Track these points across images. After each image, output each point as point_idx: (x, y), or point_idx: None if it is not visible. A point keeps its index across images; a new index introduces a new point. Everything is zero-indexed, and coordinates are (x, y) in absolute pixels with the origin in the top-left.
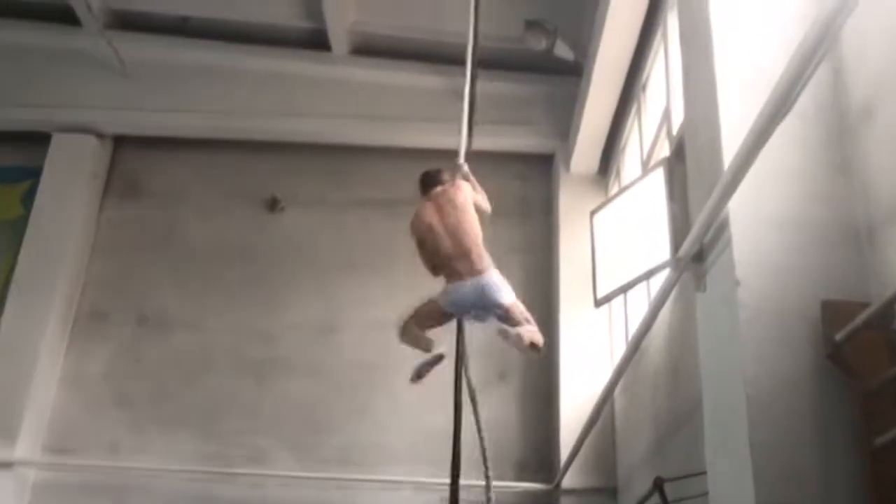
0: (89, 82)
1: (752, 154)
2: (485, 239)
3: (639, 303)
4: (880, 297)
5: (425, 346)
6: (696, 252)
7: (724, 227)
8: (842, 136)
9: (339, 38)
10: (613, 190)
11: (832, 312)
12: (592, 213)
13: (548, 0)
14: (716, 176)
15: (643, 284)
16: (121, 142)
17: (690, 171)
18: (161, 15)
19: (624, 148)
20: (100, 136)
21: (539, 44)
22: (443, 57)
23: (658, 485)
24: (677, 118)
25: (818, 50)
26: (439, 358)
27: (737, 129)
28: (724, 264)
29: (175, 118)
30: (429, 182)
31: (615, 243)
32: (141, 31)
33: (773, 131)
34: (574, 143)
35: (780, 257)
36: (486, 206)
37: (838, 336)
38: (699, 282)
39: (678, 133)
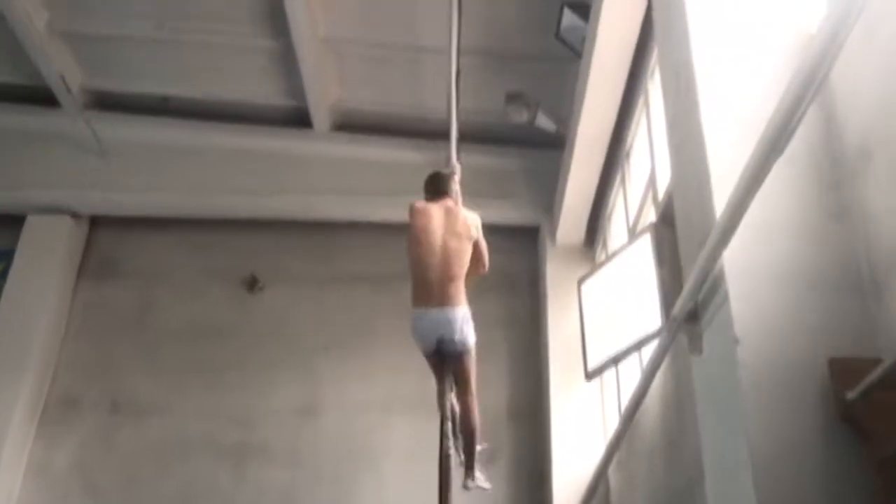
0: (66, 163)
1: (743, 202)
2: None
3: (631, 374)
4: (892, 353)
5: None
6: (690, 311)
7: (718, 282)
8: (837, 182)
9: (320, 116)
10: (601, 260)
11: (841, 370)
12: (580, 281)
13: (528, 73)
14: (707, 229)
15: (635, 355)
16: (97, 222)
17: (680, 229)
18: (141, 95)
19: (610, 217)
20: (76, 216)
21: (521, 116)
22: (424, 132)
23: None
24: (662, 183)
25: (805, 94)
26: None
27: (727, 179)
28: (721, 322)
29: (153, 197)
30: (438, 187)
31: (604, 313)
32: (120, 111)
33: (763, 178)
34: (559, 214)
35: (781, 313)
36: (484, 262)
37: (850, 396)
38: (695, 344)
39: (665, 196)
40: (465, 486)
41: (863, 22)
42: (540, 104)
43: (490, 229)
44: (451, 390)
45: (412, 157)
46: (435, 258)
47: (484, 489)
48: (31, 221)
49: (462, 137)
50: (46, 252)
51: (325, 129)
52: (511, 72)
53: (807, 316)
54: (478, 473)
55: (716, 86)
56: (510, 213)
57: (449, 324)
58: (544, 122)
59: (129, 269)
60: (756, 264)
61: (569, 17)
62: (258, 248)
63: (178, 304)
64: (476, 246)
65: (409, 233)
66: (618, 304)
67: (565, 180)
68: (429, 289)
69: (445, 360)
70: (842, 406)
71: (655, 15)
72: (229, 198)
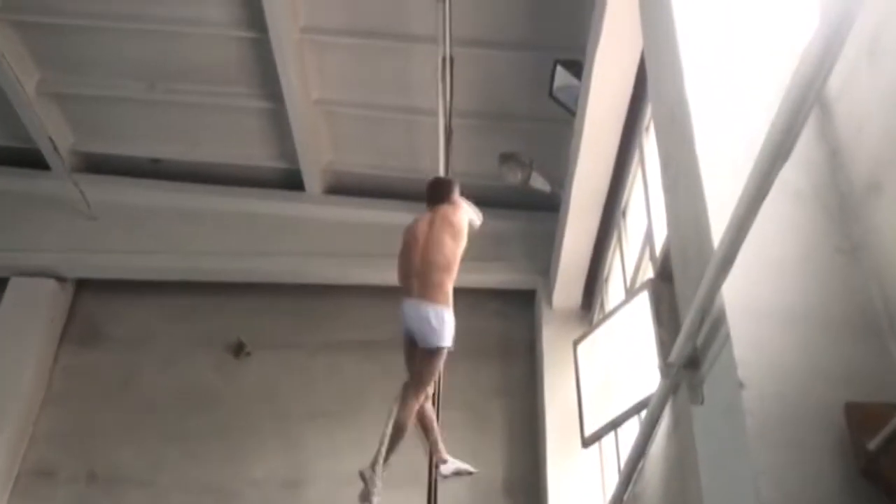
0: (53, 225)
1: (740, 232)
2: (464, 381)
3: (632, 439)
4: None
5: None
6: (689, 356)
7: (719, 322)
8: (845, 217)
9: (312, 178)
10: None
11: (860, 417)
12: (576, 342)
13: (522, 133)
14: (704, 266)
15: (635, 418)
16: (82, 285)
17: (677, 270)
18: (131, 157)
19: (607, 279)
20: (60, 279)
21: (515, 177)
22: (418, 194)
23: None
24: (660, 239)
25: (799, 111)
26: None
27: (723, 211)
28: (723, 366)
29: (140, 260)
30: (438, 193)
31: (602, 375)
32: (110, 173)
33: (759, 205)
34: (555, 277)
35: (789, 354)
36: (476, 223)
37: (871, 445)
38: (695, 392)
39: (662, 250)
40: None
41: (866, 50)
42: (534, 164)
43: (485, 294)
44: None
45: (405, 220)
46: (417, 256)
47: (465, 471)
48: (14, 283)
49: None
50: (28, 316)
51: (317, 192)
52: (504, 132)
53: (818, 357)
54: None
55: (710, 118)
56: (505, 277)
57: (420, 320)
58: (539, 182)
59: (112, 334)
60: (759, 302)
61: (561, 76)
62: (246, 313)
63: (161, 370)
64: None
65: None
66: (616, 365)
67: (561, 241)
68: (409, 280)
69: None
70: (862, 457)
71: (647, 54)
72: (218, 260)
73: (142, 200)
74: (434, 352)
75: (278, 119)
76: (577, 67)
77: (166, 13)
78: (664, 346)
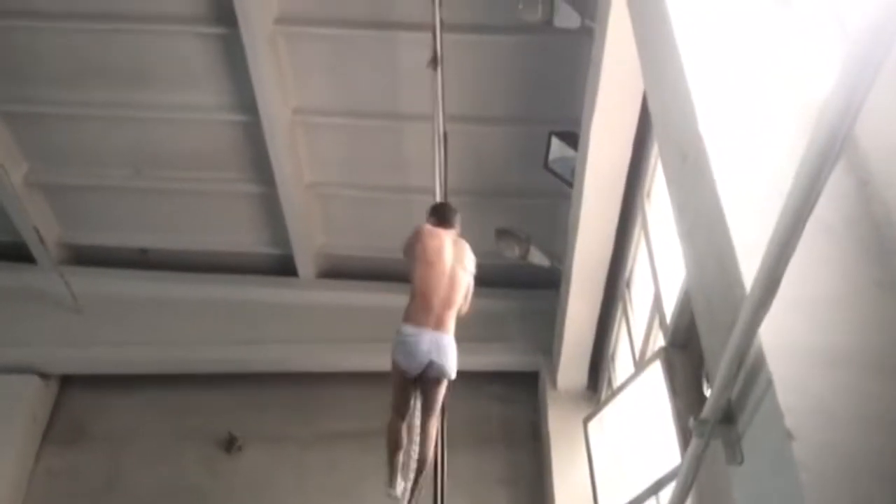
0: (37, 320)
1: (776, 270)
2: (467, 471)
3: None
4: None
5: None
6: (723, 411)
7: (758, 367)
8: (883, 249)
9: (305, 263)
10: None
11: None
12: (586, 420)
13: (519, 208)
14: (735, 311)
15: (652, 500)
16: (67, 382)
17: (701, 323)
18: (118, 248)
19: (613, 355)
20: (44, 376)
21: (512, 252)
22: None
23: None
24: (669, 305)
25: (828, 156)
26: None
27: (753, 250)
28: (766, 416)
29: (128, 353)
30: (445, 216)
31: (615, 454)
32: (97, 265)
33: (794, 246)
34: (559, 356)
35: (837, 400)
36: (466, 306)
37: None
38: (733, 451)
39: (673, 317)
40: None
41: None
42: (532, 239)
43: (485, 377)
44: (408, 420)
45: (401, 303)
46: (443, 283)
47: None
48: None
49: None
50: (8, 415)
51: (311, 277)
52: (500, 208)
53: (868, 401)
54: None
55: (728, 154)
56: (506, 359)
57: (442, 349)
58: (537, 257)
59: (97, 432)
60: (800, 343)
61: (557, 147)
62: (236, 405)
63: (148, 468)
64: (468, 288)
65: (416, 252)
66: (630, 442)
67: (563, 318)
68: (430, 311)
69: (416, 386)
70: None
71: (651, 95)
72: (208, 351)
73: (129, 291)
74: (447, 382)
75: (270, 203)
76: (573, 138)
77: (154, 99)
78: (681, 417)
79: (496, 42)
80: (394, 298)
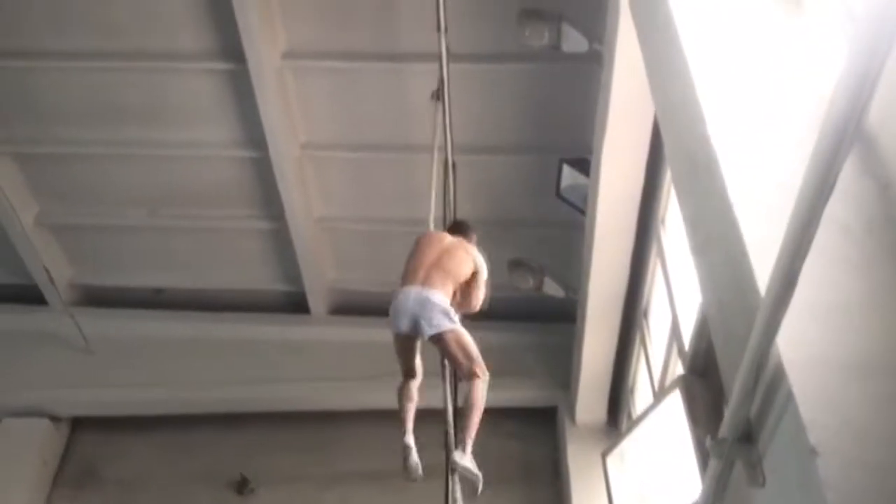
0: (48, 362)
1: (790, 274)
2: None
3: None
4: None
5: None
6: (742, 429)
7: (777, 380)
8: None
9: (317, 299)
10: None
11: None
12: (604, 454)
13: (532, 238)
14: (750, 322)
15: None
16: (79, 424)
17: (717, 338)
18: (131, 288)
19: (633, 387)
20: (55, 419)
21: (526, 284)
22: None
23: None
24: (688, 332)
25: (839, 147)
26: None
27: (767, 254)
28: (788, 432)
29: (140, 394)
30: (459, 228)
31: (635, 487)
32: (110, 305)
33: (806, 248)
34: (577, 390)
35: (862, 412)
36: (479, 297)
37: None
38: (754, 473)
39: (692, 343)
40: (454, 463)
41: None
42: (546, 269)
43: (501, 414)
44: (418, 383)
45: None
46: (434, 251)
47: (474, 474)
48: (6, 425)
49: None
50: (19, 459)
51: (322, 313)
52: (513, 239)
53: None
54: (469, 455)
55: (738, 162)
56: (523, 395)
57: (426, 304)
58: (552, 288)
59: (109, 475)
60: (821, 351)
61: (568, 175)
62: (249, 445)
63: None
64: (475, 278)
65: (412, 248)
66: (651, 474)
67: (580, 351)
68: (417, 272)
69: (416, 346)
70: None
71: (661, 111)
72: (220, 390)
73: (141, 332)
74: (452, 333)
75: (280, 239)
76: (584, 165)
77: (165, 137)
78: (702, 446)
79: (504, 70)
80: None
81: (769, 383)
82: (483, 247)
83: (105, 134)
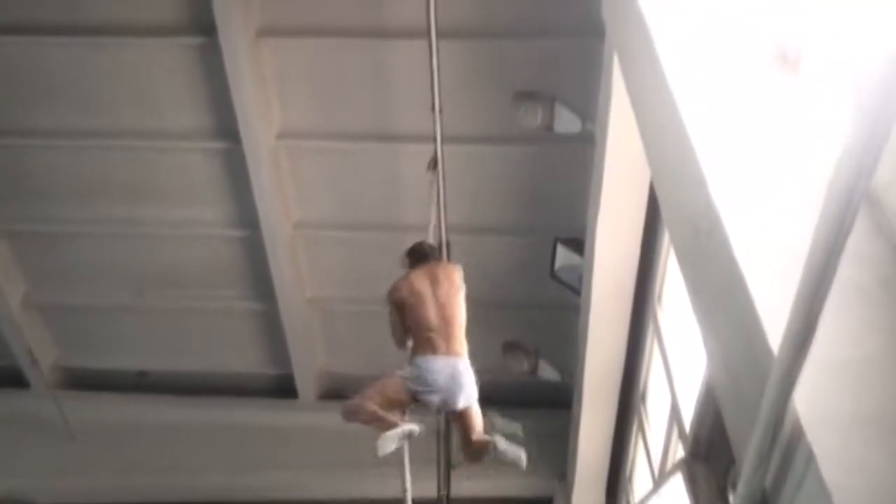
0: (29, 447)
1: (805, 331)
2: None
3: None
4: None
5: (388, 424)
6: (757, 500)
7: (795, 441)
8: None
9: (306, 383)
10: None
11: None
12: None
13: (526, 321)
14: (763, 383)
15: None
16: None
17: (728, 410)
18: (116, 371)
19: (631, 476)
20: None
21: (520, 366)
22: None
23: None
24: (688, 414)
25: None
26: (409, 433)
27: (780, 320)
28: (810, 496)
29: (122, 482)
30: (420, 254)
31: None
32: (94, 389)
33: (821, 306)
34: (573, 480)
35: (888, 474)
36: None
37: None
38: None
39: (693, 425)
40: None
41: None
42: (540, 352)
43: (496, 503)
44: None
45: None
46: (432, 313)
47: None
48: None
49: None
50: None
51: (311, 398)
52: (508, 321)
53: None
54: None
55: (744, 222)
56: (517, 484)
57: (460, 378)
58: (547, 371)
59: None
60: (841, 412)
61: (562, 254)
62: None
63: None
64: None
65: (404, 296)
66: None
67: (576, 438)
68: (435, 337)
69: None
70: None
71: (657, 175)
72: (205, 478)
73: (124, 416)
74: (474, 403)
75: (270, 321)
76: (578, 244)
77: (157, 215)
78: None
79: (498, 152)
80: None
81: (786, 446)
82: (476, 329)
83: (95, 212)
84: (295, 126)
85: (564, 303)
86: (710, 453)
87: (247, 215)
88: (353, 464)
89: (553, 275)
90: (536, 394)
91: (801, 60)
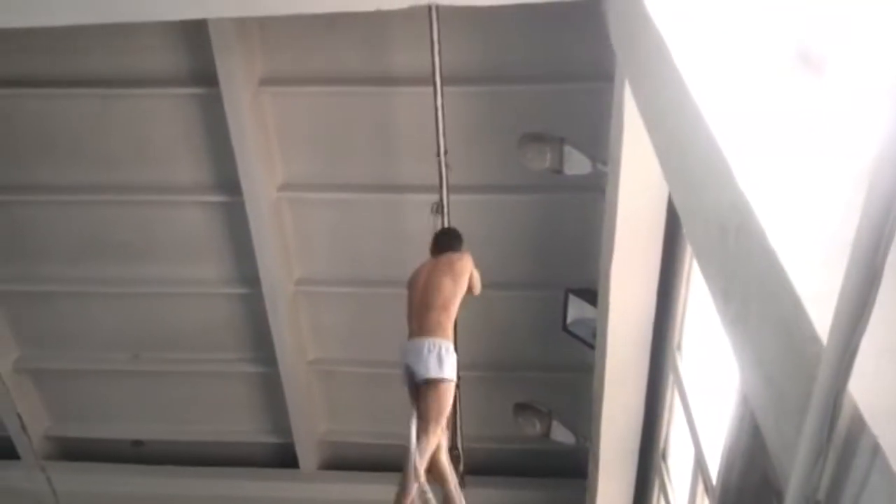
0: None
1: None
2: None
3: None
4: None
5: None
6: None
7: (854, 436)
8: None
9: (307, 452)
10: None
11: None
12: None
13: (537, 382)
14: (810, 380)
15: None
16: None
17: (766, 422)
18: (110, 441)
19: None
20: None
21: (533, 428)
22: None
23: None
24: (714, 466)
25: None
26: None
27: (827, 308)
28: (878, 491)
29: None
30: (444, 243)
31: None
32: (87, 459)
33: (873, 287)
34: None
35: None
36: (477, 288)
37: None
38: None
39: (720, 479)
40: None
41: None
42: (554, 413)
43: None
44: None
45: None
46: (418, 294)
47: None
48: None
49: (469, 469)
50: None
51: (312, 468)
52: (519, 383)
53: None
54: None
55: (776, 216)
56: None
57: (417, 353)
58: (561, 433)
59: None
60: None
61: (575, 306)
62: None
63: None
64: (471, 280)
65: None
66: None
67: None
68: (412, 323)
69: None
70: None
71: (674, 187)
72: None
73: (117, 488)
74: (435, 385)
75: (270, 385)
76: (591, 295)
77: (154, 273)
78: None
79: (504, 202)
80: None
81: (844, 441)
82: (486, 391)
83: (91, 272)
84: (297, 178)
85: (578, 360)
86: (763, 429)
87: (247, 272)
88: None
89: (565, 328)
90: (549, 462)
91: (826, 62)
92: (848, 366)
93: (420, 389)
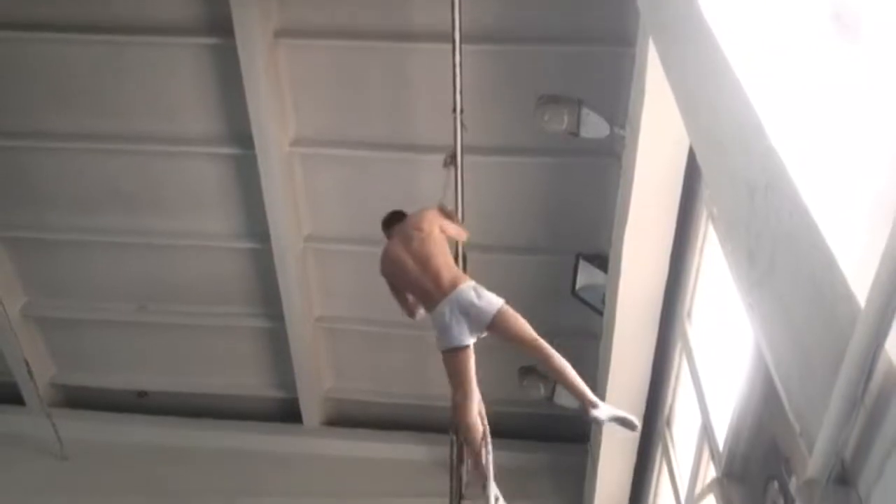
0: (21, 467)
1: None
2: None
3: None
4: None
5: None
6: (833, 469)
7: (887, 394)
8: None
9: (311, 408)
10: None
11: None
12: None
13: None
14: (842, 340)
15: None
16: None
17: (789, 383)
18: (115, 391)
19: None
20: None
21: (537, 392)
22: (427, 424)
23: None
24: (721, 433)
25: None
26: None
27: (865, 265)
28: None
29: None
30: (390, 221)
31: None
32: (92, 408)
33: None
34: None
35: None
36: (462, 235)
37: None
38: None
39: (727, 443)
40: (599, 420)
41: None
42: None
43: None
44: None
45: (414, 454)
46: (414, 269)
47: (623, 416)
48: None
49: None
50: None
51: (316, 424)
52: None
53: None
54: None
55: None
56: None
57: (467, 302)
58: (565, 397)
59: None
60: None
61: (585, 271)
62: None
63: None
64: (444, 229)
65: (390, 280)
66: None
67: (594, 471)
68: (427, 288)
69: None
70: None
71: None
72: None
73: (120, 437)
74: (505, 313)
75: (276, 340)
76: (602, 261)
77: (164, 225)
78: None
79: (520, 164)
80: (406, 449)
81: (876, 400)
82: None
83: (100, 221)
84: (310, 133)
85: (585, 325)
86: (745, 471)
87: (256, 226)
88: (359, 494)
89: (574, 293)
90: (554, 425)
91: (861, 22)
92: (889, 323)
93: (492, 328)
